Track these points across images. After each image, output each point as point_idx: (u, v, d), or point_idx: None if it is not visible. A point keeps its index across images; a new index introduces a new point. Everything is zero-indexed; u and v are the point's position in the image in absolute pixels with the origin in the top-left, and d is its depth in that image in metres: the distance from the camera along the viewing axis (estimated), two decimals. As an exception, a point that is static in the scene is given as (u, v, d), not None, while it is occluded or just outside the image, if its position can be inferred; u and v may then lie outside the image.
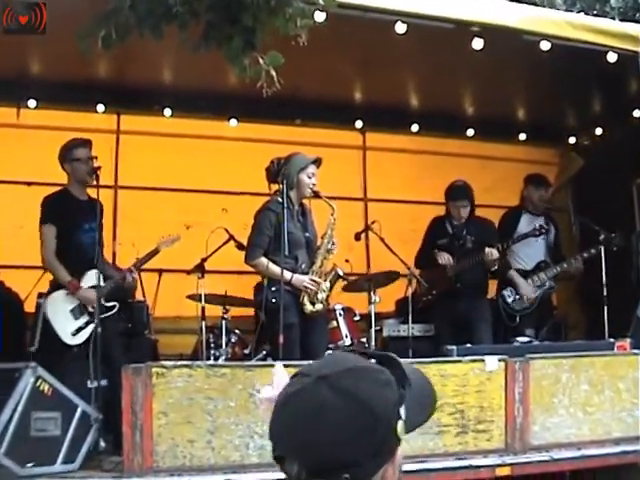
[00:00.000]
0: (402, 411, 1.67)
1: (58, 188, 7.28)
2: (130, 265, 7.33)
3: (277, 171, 7.16)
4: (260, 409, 1.86)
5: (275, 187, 7.28)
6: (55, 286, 7.05)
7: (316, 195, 7.26)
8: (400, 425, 1.65)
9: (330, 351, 7.33)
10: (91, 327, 6.80)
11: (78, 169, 7.06)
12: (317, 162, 7.29)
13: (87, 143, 7.16)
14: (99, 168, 6.98)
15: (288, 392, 1.69)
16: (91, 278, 6.94)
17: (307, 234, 7.31)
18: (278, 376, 1.84)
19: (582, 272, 8.95)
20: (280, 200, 7.03)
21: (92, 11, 4.65)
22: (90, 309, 6.88)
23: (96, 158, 7.08)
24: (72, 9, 5.54)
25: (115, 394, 6.16)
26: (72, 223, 7.02)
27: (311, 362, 1.79)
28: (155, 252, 7.39)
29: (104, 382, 6.47)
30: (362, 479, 1.62)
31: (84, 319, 6.88)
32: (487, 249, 8.23)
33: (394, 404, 1.66)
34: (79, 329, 6.84)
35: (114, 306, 7.07)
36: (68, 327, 6.85)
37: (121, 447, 5.82)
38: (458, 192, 8.64)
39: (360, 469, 1.60)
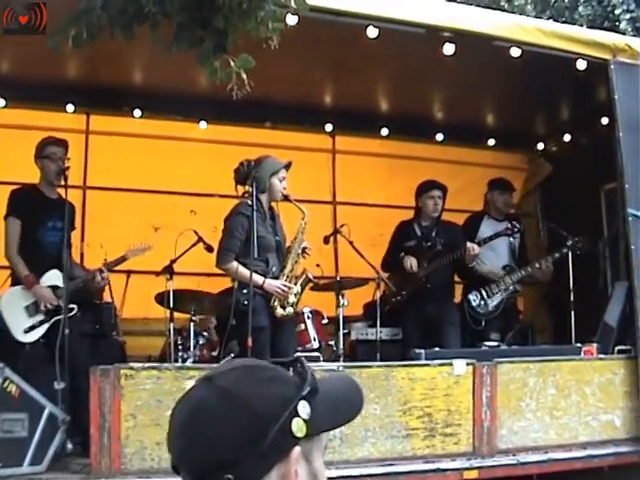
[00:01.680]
0: (302, 409, 1.57)
1: (28, 187, 7.27)
2: (100, 265, 7.28)
3: (247, 173, 7.13)
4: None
5: (242, 189, 7.25)
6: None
7: (286, 199, 7.25)
8: (296, 423, 1.55)
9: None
10: (45, 326, 6.76)
11: (47, 167, 7.03)
12: (289, 167, 7.28)
13: (61, 143, 7.14)
14: (67, 168, 6.96)
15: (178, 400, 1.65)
16: (52, 277, 6.90)
17: (277, 237, 7.28)
18: None
19: (552, 274, 8.96)
20: (250, 203, 7.02)
21: (62, 11, 4.63)
22: (43, 307, 6.82)
23: (68, 159, 7.06)
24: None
25: (78, 397, 6.13)
26: (36, 219, 6.97)
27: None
28: (122, 259, 7.35)
29: (61, 385, 6.43)
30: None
31: (39, 317, 6.79)
32: (469, 244, 8.28)
33: (283, 400, 1.56)
34: (32, 327, 6.76)
35: (73, 309, 6.93)
36: (21, 324, 6.76)
37: (89, 449, 5.79)
38: (431, 183, 8.72)
39: (244, 469, 1.52)
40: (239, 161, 7.28)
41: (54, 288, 6.90)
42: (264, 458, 1.53)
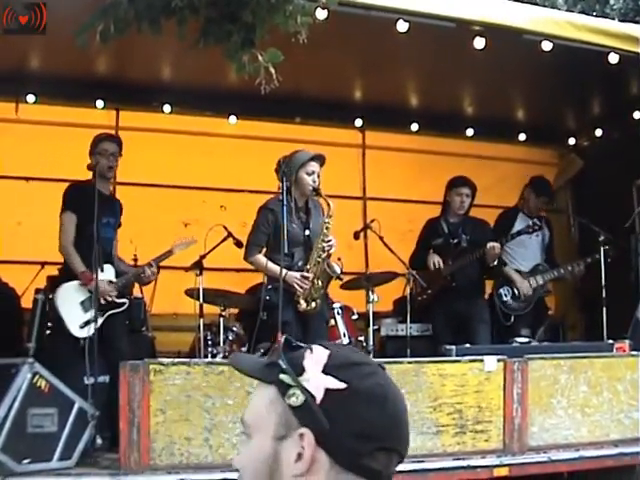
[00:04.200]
0: None
1: (59, 182, 7.33)
2: (150, 260, 7.38)
3: (281, 169, 7.16)
4: None
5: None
6: (55, 281, 7.07)
7: (316, 192, 7.22)
8: None
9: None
10: (99, 321, 6.84)
11: (99, 162, 7.10)
12: (319, 159, 7.22)
13: (114, 138, 7.36)
14: (114, 167, 7.14)
15: (380, 383, 1.62)
16: (107, 273, 7.01)
17: (307, 232, 7.26)
18: None
19: (582, 275, 8.92)
20: (280, 198, 7.03)
21: (91, 6, 4.64)
22: (103, 301, 6.90)
23: (121, 156, 7.27)
24: (72, 5, 5.52)
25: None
26: (92, 215, 7.04)
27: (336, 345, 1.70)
28: (169, 253, 7.46)
29: (105, 378, 6.54)
30: None
31: (93, 312, 6.85)
32: (490, 243, 8.18)
33: None
34: (87, 322, 6.81)
35: (124, 303, 7.18)
36: (77, 319, 6.84)
37: (118, 444, 5.81)
38: (462, 180, 8.66)
39: None
40: (268, 157, 7.33)
41: (109, 283, 7.07)
42: None
